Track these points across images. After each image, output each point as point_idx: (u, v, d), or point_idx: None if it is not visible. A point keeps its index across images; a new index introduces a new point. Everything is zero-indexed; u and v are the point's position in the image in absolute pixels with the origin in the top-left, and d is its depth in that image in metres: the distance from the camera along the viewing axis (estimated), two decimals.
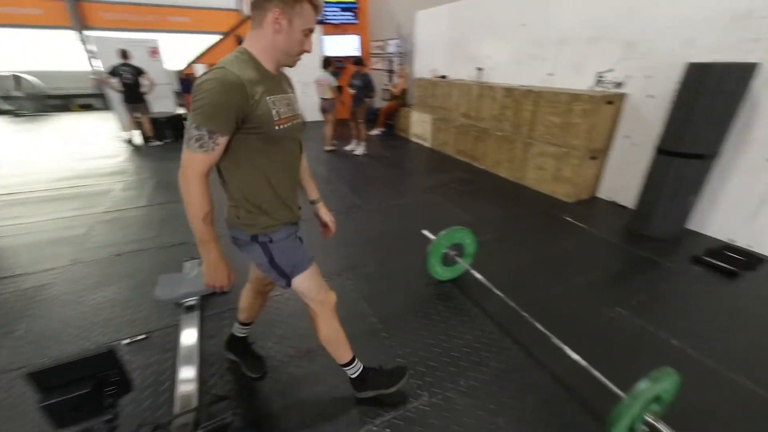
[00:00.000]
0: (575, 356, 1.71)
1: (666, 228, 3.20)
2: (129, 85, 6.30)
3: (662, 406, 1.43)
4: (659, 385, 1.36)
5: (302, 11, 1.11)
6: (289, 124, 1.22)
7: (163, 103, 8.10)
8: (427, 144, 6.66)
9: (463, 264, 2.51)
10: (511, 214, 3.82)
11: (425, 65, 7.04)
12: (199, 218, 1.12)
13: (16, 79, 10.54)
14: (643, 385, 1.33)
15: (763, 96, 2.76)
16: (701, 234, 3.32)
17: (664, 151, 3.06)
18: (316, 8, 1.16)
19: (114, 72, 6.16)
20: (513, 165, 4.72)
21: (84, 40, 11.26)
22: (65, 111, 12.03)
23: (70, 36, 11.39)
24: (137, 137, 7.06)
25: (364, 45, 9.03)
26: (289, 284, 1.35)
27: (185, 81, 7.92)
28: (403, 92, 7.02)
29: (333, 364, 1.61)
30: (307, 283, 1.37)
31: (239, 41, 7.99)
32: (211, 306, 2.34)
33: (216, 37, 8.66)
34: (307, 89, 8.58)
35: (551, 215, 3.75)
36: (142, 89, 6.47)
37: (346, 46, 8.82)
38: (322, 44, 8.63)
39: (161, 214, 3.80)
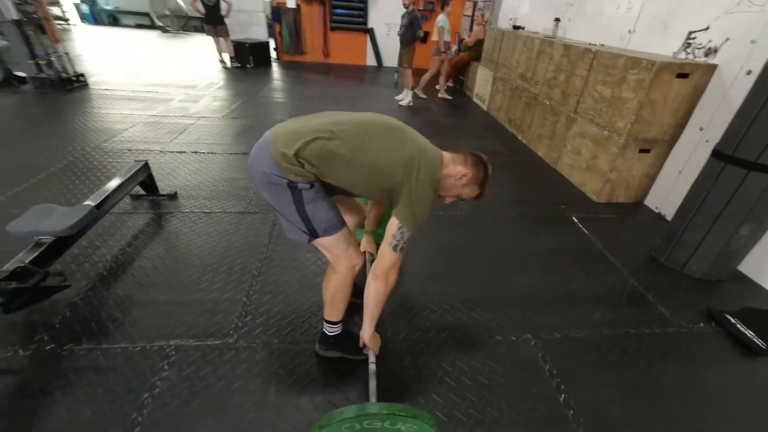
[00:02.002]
0: None
1: (705, 264, 2.24)
2: (210, 6, 6.68)
3: None
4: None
5: (474, 190, 1.33)
6: None
7: (254, 30, 8.49)
8: (483, 107, 5.77)
9: None
10: (510, 199, 3.11)
11: (509, 13, 5.88)
12: (383, 304, 1.32)
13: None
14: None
15: None
16: (756, 284, 2.26)
17: (725, 156, 2.04)
18: (479, 196, 1.37)
19: None
20: (552, 143, 3.78)
21: None
22: (201, 31, 13.60)
23: None
24: (227, 59, 7.60)
25: None
26: (311, 239, 1.29)
27: (276, 10, 8.07)
28: (478, 43, 6.04)
29: None
30: (335, 242, 1.30)
31: None
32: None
33: None
34: (391, 31, 8.10)
35: (558, 212, 2.95)
36: (222, 11, 6.81)
37: None
38: None
39: (233, 126, 4.27)
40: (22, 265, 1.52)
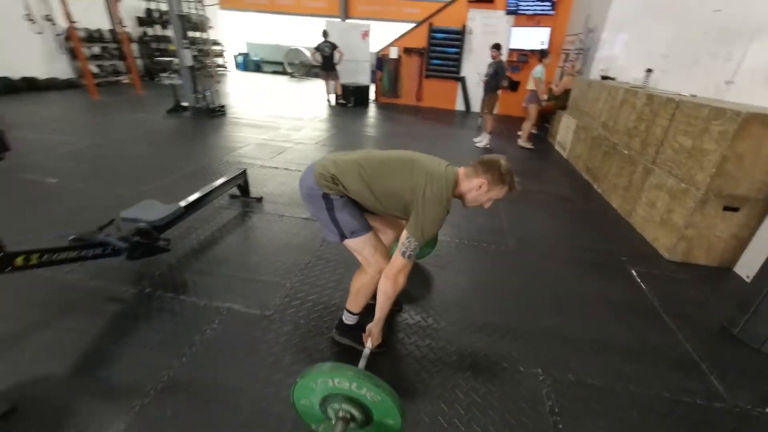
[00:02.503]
0: None
1: None
2: (326, 57, 7.89)
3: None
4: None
5: (501, 190, 1.45)
6: None
7: (360, 76, 9.65)
8: (564, 154, 5.58)
9: None
10: (565, 242, 3.00)
11: (601, 63, 5.73)
12: (391, 302, 1.49)
13: (296, 51, 14.48)
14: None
15: None
16: None
17: None
18: (510, 190, 1.47)
19: (318, 47, 7.82)
20: (627, 194, 3.51)
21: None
22: (319, 77, 15.91)
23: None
24: (332, 98, 8.80)
25: (557, 38, 7.94)
26: (342, 239, 1.53)
27: (380, 60, 9.12)
28: (566, 93, 5.95)
29: None
30: (362, 244, 1.53)
31: (430, 27, 8.52)
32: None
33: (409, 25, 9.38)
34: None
35: (616, 262, 2.74)
36: (334, 60, 7.97)
37: (534, 38, 7.98)
38: (509, 36, 8.13)
39: (322, 151, 5.01)
40: (145, 227, 2.10)
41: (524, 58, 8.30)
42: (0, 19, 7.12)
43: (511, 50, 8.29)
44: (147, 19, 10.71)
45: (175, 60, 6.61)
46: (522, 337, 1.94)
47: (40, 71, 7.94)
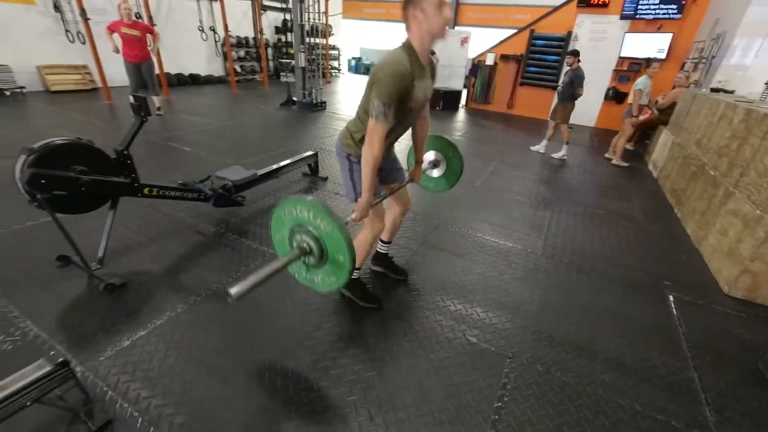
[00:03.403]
0: None
1: None
2: None
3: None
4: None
5: (433, 12, 1.36)
6: (416, 104, 1.53)
7: (454, 81, 9.77)
8: (655, 173, 4.92)
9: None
10: (606, 259, 2.83)
11: (721, 75, 4.87)
12: (372, 167, 1.49)
13: None
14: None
15: None
16: None
17: None
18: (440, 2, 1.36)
19: None
20: (703, 219, 3.07)
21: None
22: None
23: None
24: None
25: (680, 45, 6.90)
26: (356, 199, 1.71)
27: (475, 66, 9.12)
28: (672, 107, 5.19)
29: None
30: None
31: (531, 33, 8.23)
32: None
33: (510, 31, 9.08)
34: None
35: (655, 285, 2.50)
36: None
37: (651, 45, 7.05)
38: (622, 42, 7.35)
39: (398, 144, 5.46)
40: (225, 184, 2.76)
41: (636, 67, 7.39)
42: (181, 30, 9.27)
43: (622, 58, 7.48)
44: (282, 28, 12.57)
45: (293, 62, 7.74)
46: (510, 323, 2.02)
47: (202, 69, 10.09)
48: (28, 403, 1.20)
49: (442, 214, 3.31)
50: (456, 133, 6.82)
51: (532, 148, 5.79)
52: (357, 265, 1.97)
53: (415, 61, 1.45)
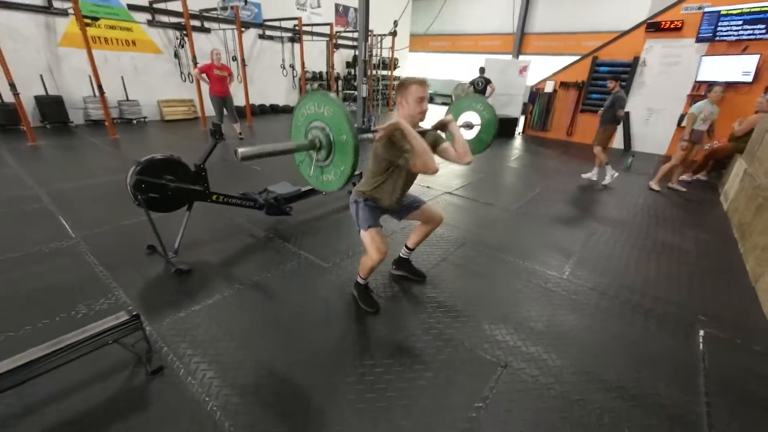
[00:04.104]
0: None
1: None
2: (478, 90, 8.39)
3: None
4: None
5: (410, 90, 1.80)
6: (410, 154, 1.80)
7: (511, 109, 9.75)
8: (725, 205, 4.41)
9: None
10: (643, 291, 2.69)
11: None
12: (419, 144, 1.72)
13: (462, 85, 15.44)
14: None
15: None
16: None
17: None
18: (414, 83, 1.80)
19: (472, 82, 8.41)
20: (763, 255, 2.75)
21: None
22: None
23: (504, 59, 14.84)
24: None
25: None
26: (359, 230, 2.07)
27: (533, 93, 9.02)
28: (749, 134, 4.63)
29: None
30: (364, 237, 2.04)
31: (594, 60, 7.98)
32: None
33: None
34: (652, 116, 7.37)
35: (688, 319, 2.33)
36: (486, 94, 8.39)
37: (734, 68, 6.38)
38: (699, 66, 6.78)
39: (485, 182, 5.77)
40: (275, 196, 3.25)
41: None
42: (267, 68, 10.74)
43: (698, 82, 6.87)
44: (352, 63, 13.75)
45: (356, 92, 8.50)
46: (510, 337, 2.08)
47: (281, 100, 11.45)
48: (110, 342, 1.65)
49: (470, 234, 3.42)
50: (509, 159, 6.81)
51: (583, 175, 5.58)
52: (361, 277, 2.25)
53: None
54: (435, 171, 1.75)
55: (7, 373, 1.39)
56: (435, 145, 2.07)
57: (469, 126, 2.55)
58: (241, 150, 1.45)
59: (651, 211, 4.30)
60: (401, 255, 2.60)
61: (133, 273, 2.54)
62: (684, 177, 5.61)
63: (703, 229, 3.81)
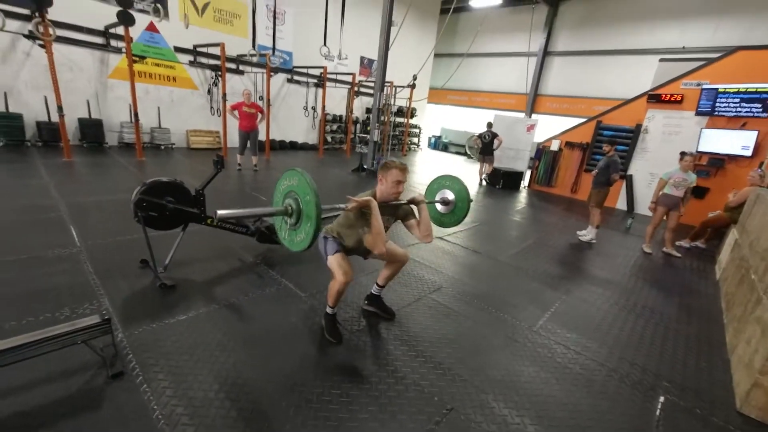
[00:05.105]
0: None
1: None
2: (485, 143, 8.76)
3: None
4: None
5: (389, 174, 2.11)
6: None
7: (518, 163, 10.03)
8: (718, 274, 4.34)
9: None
10: (619, 357, 2.67)
11: None
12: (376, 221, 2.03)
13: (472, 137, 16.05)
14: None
15: None
16: None
17: None
18: (395, 167, 2.11)
19: (480, 135, 8.81)
20: (738, 326, 2.70)
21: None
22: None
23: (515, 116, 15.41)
24: (484, 178, 9.52)
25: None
26: (326, 261, 2.26)
27: (540, 150, 9.31)
28: (743, 206, 4.65)
29: None
30: (331, 263, 2.22)
31: (598, 124, 8.29)
32: None
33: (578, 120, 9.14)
34: (654, 180, 7.47)
35: (649, 385, 2.28)
36: (493, 147, 8.74)
37: (734, 142, 6.51)
38: (699, 138, 6.95)
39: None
40: (266, 225, 3.45)
41: (719, 162, 6.81)
42: (291, 108, 11.56)
43: (700, 153, 6.99)
44: (370, 108, 14.61)
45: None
46: (464, 381, 2.09)
47: (300, 138, 12.16)
48: (78, 341, 1.78)
49: (450, 279, 3.49)
50: (511, 211, 6.93)
51: (579, 234, 5.55)
52: (330, 304, 2.34)
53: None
54: (381, 252, 2.06)
55: None
56: (405, 218, 2.34)
57: (445, 202, 2.75)
58: (220, 212, 1.69)
59: (640, 274, 4.27)
60: (372, 292, 2.69)
61: (121, 283, 2.71)
62: (682, 243, 5.57)
63: (690, 297, 3.75)
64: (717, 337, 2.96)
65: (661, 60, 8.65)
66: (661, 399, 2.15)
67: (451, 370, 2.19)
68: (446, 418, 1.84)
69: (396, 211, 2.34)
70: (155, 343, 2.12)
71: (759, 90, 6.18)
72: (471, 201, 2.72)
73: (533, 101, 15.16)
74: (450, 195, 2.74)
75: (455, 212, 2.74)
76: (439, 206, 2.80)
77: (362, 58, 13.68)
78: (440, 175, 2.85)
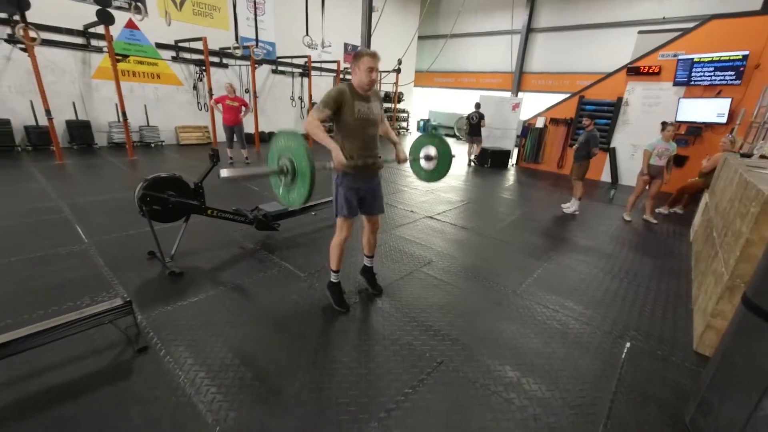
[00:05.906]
0: None
1: None
2: (472, 124, 8.94)
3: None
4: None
5: (361, 61, 2.10)
6: (364, 115, 2.18)
7: (505, 142, 10.22)
8: (691, 236, 4.64)
9: None
10: (582, 310, 2.95)
11: None
12: (316, 134, 2.05)
13: (463, 118, 16.16)
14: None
15: None
16: None
17: (758, 309, 1.59)
18: (370, 56, 2.09)
19: (468, 116, 8.97)
20: (701, 280, 2.99)
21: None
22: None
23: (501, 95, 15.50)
24: (473, 159, 9.72)
25: (746, 108, 6.50)
26: (336, 215, 2.40)
27: (525, 128, 9.52)
28: (714, 171, 4.92)
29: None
30: (339, 221, 2.42)
31: (580, 99, 8.48)
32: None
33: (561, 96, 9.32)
34: (637, 152, 7.73)
35: (616, 336, 2.57)
36: (480, 127, 8.93)
37: (709, 110, 6.76)
38: (678, 107, 7.19)
39: (468, 209, 6.19)
40: (264, 213, 3.64)
41: (697, 131, 7.08)
42: (277, 99, 11.58)
43: (678, 122, 7.24)
44: None
45: None
46: (452, 339, 2.35)
47: (290, 128, 12.20)
48: (106, 321, 2.00)
49: (439, 255, 3.74)
50: (500, 188, 7.17)
51: (564, 210, 5.80)
52: (332, 267, 2.56)
53: (354, 92, 2.16)
54: (385, 132, 2.46)
55: (20, 339, 1.75)
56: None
57: (428, 158, 2.94)
58: (223, 173, 1.85)
59: (619, 240, 4.56)
60: (365, 263, 2.91)
61: (132, 273, 2.91)
62: (661, 210, 5.87)
63: (665, 258, 4.04)
64: (683, 291, 3.25)
65: (640, 32, 8.80)
66: (627, 344, 2.43)
67: (440, 331, 2.45)
68: (437, 369, 2.09)
69: (376, 101, 2.32)
70: (172, 322, 2.35)
71: (732, 58, 6.40)
72: (453, 156, 2.92)
73: (519, 79, 15.25)
74: (432, 151, 2.91)
75: (438, 168, 2.94)
76: (423, 162, 2.97)
77: (346, 45, 13.63)
78: (420, 135, 3.05)
